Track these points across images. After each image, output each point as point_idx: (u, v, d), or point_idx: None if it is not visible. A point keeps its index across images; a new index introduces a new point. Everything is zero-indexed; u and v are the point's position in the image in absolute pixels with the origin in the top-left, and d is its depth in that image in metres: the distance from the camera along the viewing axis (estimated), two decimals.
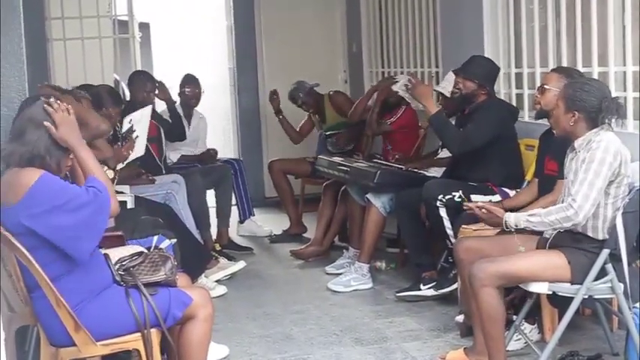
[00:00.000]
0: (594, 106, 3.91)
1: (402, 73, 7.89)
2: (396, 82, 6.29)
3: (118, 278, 3.54)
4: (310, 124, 8.06)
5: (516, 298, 4.51)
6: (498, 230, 4.28)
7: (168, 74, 7.74)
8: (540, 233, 4.14)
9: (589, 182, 3.81)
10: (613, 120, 3.95)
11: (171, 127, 7.10)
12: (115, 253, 3.67)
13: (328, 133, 7.71)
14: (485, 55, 6.12)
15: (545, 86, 4.58)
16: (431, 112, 5.44)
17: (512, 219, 3.99)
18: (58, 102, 3.48)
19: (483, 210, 4.16)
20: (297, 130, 8.08)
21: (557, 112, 4.01)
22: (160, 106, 7.34)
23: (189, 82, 7.59)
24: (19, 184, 3.29)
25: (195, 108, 7.67)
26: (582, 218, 3.84)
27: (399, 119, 7.01)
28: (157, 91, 7.01)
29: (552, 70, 4.86)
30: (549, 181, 4.65)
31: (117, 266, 3.58)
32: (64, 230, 3.28)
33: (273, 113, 8.05)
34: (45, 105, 3.45)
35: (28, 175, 3.30)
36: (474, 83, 5.52)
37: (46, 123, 3.39)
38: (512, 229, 4.01)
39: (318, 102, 7.81)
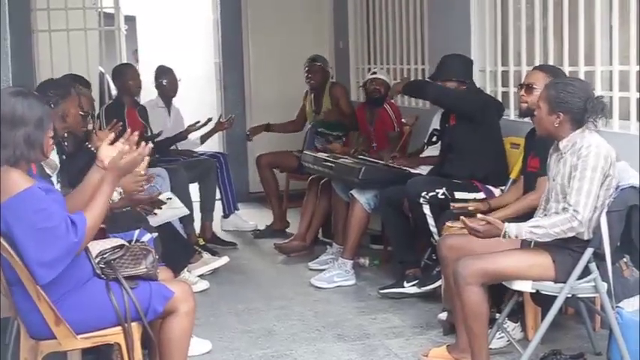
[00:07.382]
0: (579, 107, 3.89)
1: (387, 69, 7.87)
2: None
3: (98, 271, 3.51)
4: (305, 114, 7.98)
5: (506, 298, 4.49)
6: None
7: (154, 68, 7.66)
8: None
9: (586, 191, 3.80)
10: (599, 121, 3.93)
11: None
12: (96, 246, 3.64)
13: (320, 130, 7.58)
14: (471, 52, 6.14)
15: (534, 86, 4.50)
16: None
17: (513, 229, 3.88)
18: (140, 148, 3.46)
19: (482, 222, 3.96)
20: (293, 120, 8.05)
21: (540, 113, 3.97)
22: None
23: (165, 73, 7.48)
24: (4, 188, 3.20)
25: (173, 99, 7.56)
26: (585, 227, 3.84)
27: (382, 119, 6.97)
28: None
29: (536, 68, 4.78)
30: (531, 178, 4.63)
31: (98, 259, 3.55)
32: (25, 252, 3.22)
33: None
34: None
35: (17, 182, 3.21)
36: (453, 82, 5.51)
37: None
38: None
39: (323, 86, 7.67)
